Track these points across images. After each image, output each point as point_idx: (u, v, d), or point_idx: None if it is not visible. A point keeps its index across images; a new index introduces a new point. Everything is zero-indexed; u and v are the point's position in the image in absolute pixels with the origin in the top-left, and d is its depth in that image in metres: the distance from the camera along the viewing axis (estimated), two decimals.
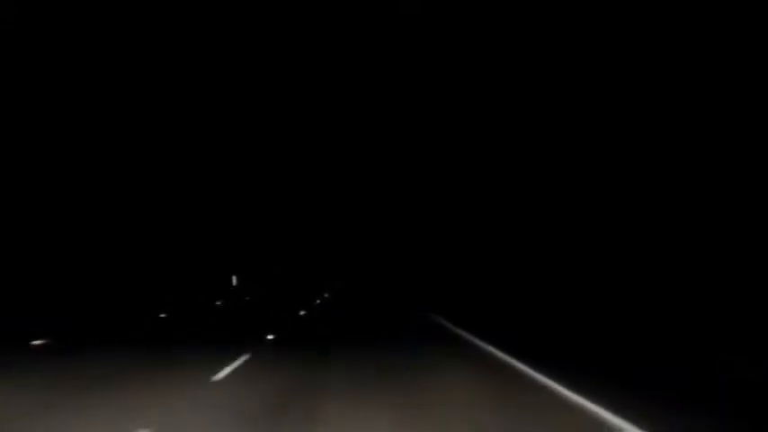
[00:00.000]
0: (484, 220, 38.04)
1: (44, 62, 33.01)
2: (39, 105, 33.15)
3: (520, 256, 32.47)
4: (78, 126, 34.74)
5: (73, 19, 33.59)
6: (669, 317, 17.42)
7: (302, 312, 26.66)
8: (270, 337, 16.06)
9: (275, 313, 25.92)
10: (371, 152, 55.51)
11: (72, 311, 25.28)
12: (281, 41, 37.36)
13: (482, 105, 32.77)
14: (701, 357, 11.66)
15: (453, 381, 9.95)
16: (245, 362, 11.74)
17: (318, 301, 29.90)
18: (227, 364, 11.27)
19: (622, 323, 17.58)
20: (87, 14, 33.50)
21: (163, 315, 24.57)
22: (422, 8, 28.68)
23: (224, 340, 15.55)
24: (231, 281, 47.06)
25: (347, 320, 23.05)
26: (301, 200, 68.82)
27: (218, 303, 33.28)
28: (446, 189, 44.07)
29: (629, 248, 23.04)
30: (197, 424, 7.03)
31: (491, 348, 13.61)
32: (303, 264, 79.28)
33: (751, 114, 17.93)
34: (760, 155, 17.55)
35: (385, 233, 71.36)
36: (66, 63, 33.95)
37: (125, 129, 37.06)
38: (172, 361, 11.96)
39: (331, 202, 71.16)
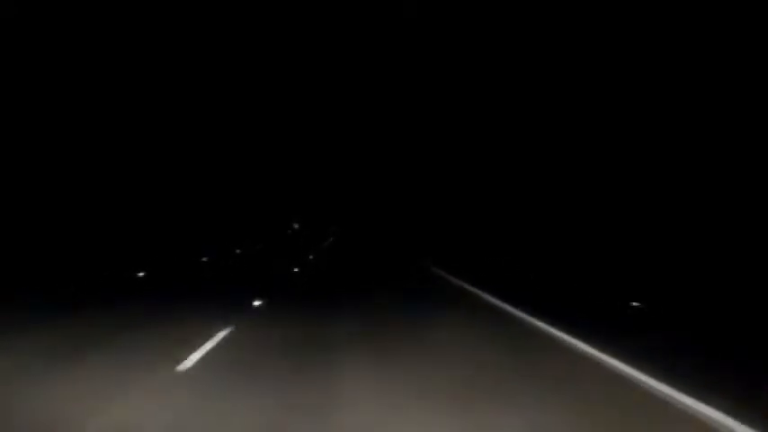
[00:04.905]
0: (480, 179, 37.92)
1: (44, 62, 33.23)
2: (39, 105, 33.30)
3: (515, 209, 31.82)
4: (79, 124, 34.94)
5: (73, 18, 33.93)
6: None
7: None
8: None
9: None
10: (374, 129, 59.90)
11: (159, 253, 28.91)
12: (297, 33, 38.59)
13: (477, 97, 33.66)
14: None
15: None
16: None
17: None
18: None
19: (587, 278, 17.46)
20: (87, 14, 33.89)
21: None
22: (421, 11, 29.61)
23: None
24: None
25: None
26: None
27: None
28: (444, 156, 44.76)
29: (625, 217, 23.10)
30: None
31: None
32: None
33: (741, 96, 18.54)
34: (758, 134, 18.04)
35: (383, 192, 75.39)
36: (67, 63, 34.23)
37: (141, 120, 37.39)
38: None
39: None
